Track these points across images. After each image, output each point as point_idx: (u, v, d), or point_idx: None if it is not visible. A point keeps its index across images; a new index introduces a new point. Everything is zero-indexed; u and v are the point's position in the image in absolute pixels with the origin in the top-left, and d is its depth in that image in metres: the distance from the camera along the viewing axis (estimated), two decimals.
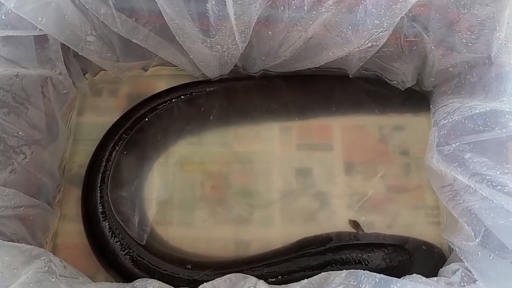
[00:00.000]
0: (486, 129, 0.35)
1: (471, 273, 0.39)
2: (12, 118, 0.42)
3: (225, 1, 0.38)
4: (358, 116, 0.62)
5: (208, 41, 0.45)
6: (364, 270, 0.49)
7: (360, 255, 0.51)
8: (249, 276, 0.43)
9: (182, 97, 0.61)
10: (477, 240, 0.38)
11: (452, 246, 0.44)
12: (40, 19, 0.39)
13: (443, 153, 0.40)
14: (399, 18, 0.39)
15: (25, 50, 0.42)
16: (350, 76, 0.60)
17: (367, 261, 0.51)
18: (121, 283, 0.46)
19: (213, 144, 0.61)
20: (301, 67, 0.55)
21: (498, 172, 0.35)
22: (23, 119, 0.44)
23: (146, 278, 0.45)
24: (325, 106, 0.63)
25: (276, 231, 0.56)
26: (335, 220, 0.57)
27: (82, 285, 0.40)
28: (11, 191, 0.41)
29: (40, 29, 0.40)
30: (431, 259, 0.53)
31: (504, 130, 0.34)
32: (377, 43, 0.44)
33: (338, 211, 0.57)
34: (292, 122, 0.62)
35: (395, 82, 0.59)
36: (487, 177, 0.35)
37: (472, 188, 0.39)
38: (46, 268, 0.38)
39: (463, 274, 0.39)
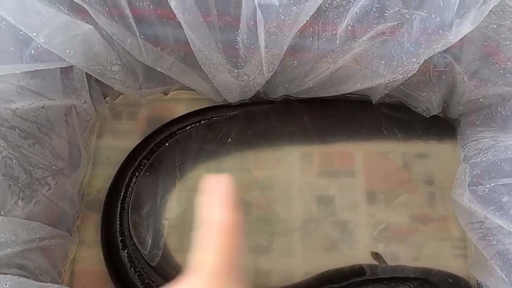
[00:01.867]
0: None
1: None
2: (37, 149, 0.42)
3: (257, 34, 0.37)
4: (380, 143, 0.61)
5: (236, 71, 0.45)
6: None
7: None
8: None
9: (203, 121, 0.60)
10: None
11: (482, 285, 0.42)
12: (68, 51, 0.38)
13: (477, 194, 0.39)
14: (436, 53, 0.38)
15: (52, 82, 0.41)
16: (373, 102, 0.59)
17: None
18: None
19: (232, 169, 0.60)
20: (325, 95, 0.54)
21: None
22: (47, 149, 0.43)
23: None
24: (346, 131, 0.62)
25: (297, 261, 0.55)
26: (357, 250, 0.55)
27: None
28: (36, 224, 0.40)
29: (67, 61, 0.40)
30: None
31: None
32: (408, 75, 0.43)
33: (360, 240, 0.56)
34: (312, 148, 0.61)
35: (419, 109, 0.58)
36: None
37: (506, 230, 0.37)
38: None
39: None
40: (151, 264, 0.52)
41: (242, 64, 0.43)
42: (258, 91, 0.60)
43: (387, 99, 0.59)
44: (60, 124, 0.45)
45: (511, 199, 0.36)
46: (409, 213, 0.57)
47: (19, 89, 0.38)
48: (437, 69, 0.44)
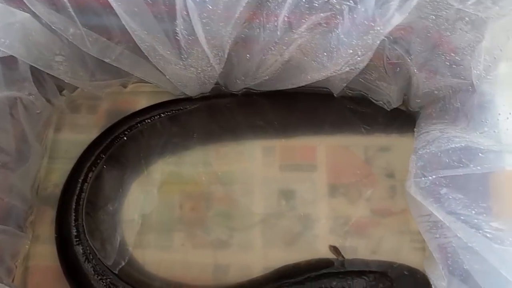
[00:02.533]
0: (461, 165, 0.33)
1: None
2: None
3: (191, 24, 0.36)
4: (343, 136, 0.60)
5: (181, 63, 0.44)
6: None
7: (340, 284, 0.49)
8: None
9: (163, 115, 0.59)
10: (452, 278, 0.36)
11: (431, 282, 0.42)
12: (3, 40, 0.37)
13: (419, 186, 0.39)
14: (374, 47, 0.37)
15: None
16: (335, 95, 0.58)
17: None
18: None
19: (194, 164, 0.59)
20: (282, 87, 0.54)
21: (473, 212, 0.33)
22: None
23: None
24: (309, 125, 0.61)
25: (256, 256, 0.55)
26: (317, 244, 0.55)
27: None
28: None
29: (3, 51, 0.38)
30: (414, 285, 0.51)
31: (478, 168, 0.32)
32: (356, 67, 0.42)
33: (321, 235, 0.56)
34: (275, 142, 0.60)
35: (380, 102, 0.57)
36: (462, 217, 0.33)
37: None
38: None
39: None
40: (106, 260, 0.51)
41: (185, 55, 0.42)
42: (218, 84, 0.59)
43: (349, 92, 0.59)
44: (3, 117, 0.44)
45: (449, 191, 0.35)
46: (370, 206, 0.57)
47: None
48: (390, 61, 0.44)
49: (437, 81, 0.42)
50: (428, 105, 0.51)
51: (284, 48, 0.41)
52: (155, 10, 0.37)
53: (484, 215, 0.32)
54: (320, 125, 0.61)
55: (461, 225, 0.33)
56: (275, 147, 0.60)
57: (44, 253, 0.54)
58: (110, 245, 0.54)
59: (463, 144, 0.34)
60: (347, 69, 0.41)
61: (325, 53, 0.40)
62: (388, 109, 0.57)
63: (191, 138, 0.60)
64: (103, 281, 0.50)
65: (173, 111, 0.59)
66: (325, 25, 0.37)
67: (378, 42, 0.36)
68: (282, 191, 0.58)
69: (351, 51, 0.37)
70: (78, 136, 0.60)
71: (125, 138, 0.57)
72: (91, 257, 0.51)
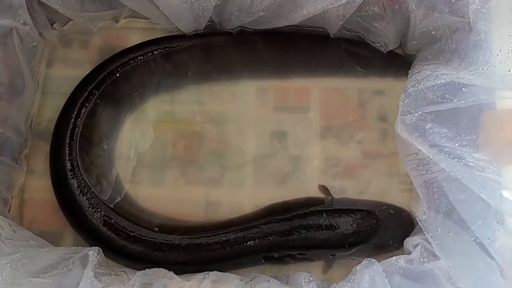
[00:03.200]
0: (445, 100, 0.33)
1: (432, 248, 0.38)
2: None
3: None
4: (337, 79, 0.60)
5: None
6: (331, 235, 0.50)
7: (327, 221, 0.51)
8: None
9: (156, 52, 0.58)
10: (437, 214, 0.37)
11: (416, 218, 0.44)
12: None
13: (405, 122, 0.39)
14: None
15: None
16: (332, 36, 0.57)
17: (334, 226, 0.51)
18: (70, 248, 0.45)
19: (187, 102, 0.59)
20: (278, 25, 0.52)
21: (457, 144, 0.33)
22: None
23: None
24: (304, 66, 0.60)
25: (247, 194, 0.56)
26: (307, 184, 0.56)
27: (30, 248, 0.39)
28: None
29: None
30: (400, 224, 0.53)
31: (462, 102, 0.32)
32: (356, 2, 0.41)
33: (311, 175, 0.56)
34: (269, 82, 0.60)
35: (377, 44, 0.56)
36: (445, 149, 0.34)
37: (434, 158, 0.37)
38: None
39: (422, 249, 0.39)
40: (101, 195, 0.52)
41: None
42: (213, 21, 0.57)
43: (346, 33, 0.57)
44: None
45: (433, 126, 0.36)
46: (361, 149, 0.57)
47: None
48: None
49: (435, 19, 0.41)
50: (425, 47, 0.50)
51: None
52: None
53: (467, 147, 0.33)
54: (315, 66, 0.60)
55: (444, 156, 0.34)
56: (269, 88, 0.60)
57: (39, 186, 0.55)
58: (105, 180, 0.55)
59: (447, 80, 0.33)
60: (344, 0, 0.40)
61: None
62: (385, 51, 0.57)
63: (185, 77, 0.60)
64: (98, 213, 0.51)
65: (167, 48, 0.58)
66: None
67: None
68: (274, 132, 0.58)
69: None
70: (70, 71, 0.60)
71: (117, 74, 0.57)
72: (85, 190, 0.52)
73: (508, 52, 0.31)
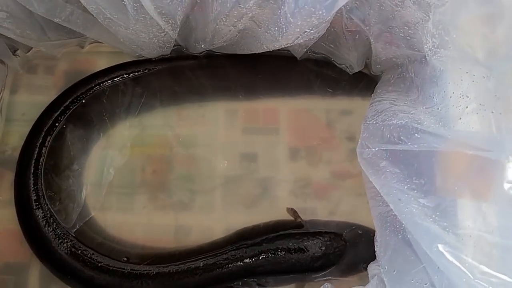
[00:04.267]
0: (400, 142, 0.34)
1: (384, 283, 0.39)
2: None
3: None
4: (305, 99, 0.60)
5: (131, 28, 0.42)
6: (300, 258, 0.50)
7: (296, 244, 0.51)
8: None
9: (123, 77, 0.58)
10: (386, 250, 0.37)
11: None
12: None
13: (363, 156, 0.39)
14: (323, 24, 0.37)
15: None
16: (298, 59, 0.58)
17: (303, 249, 0.51)
18: None
19: (155, 126, 0.59)
20: (241, 52, 0.53)
21: (406, 187, 0.34)
22: None
23: None
24: (272, 87, 0.61)
25: (217, 218, 0.56)
26: (277, 206, 0.56)
27: None
28: None
29: None
30: (368, 245, 0.53)
31: (415, 146, 0.32)
32: (312, 38, 0.41)
33: (281, 197, 0.57)
34: (238, 104, 0.60)
35: (343, 65, 0.57)
36: (394, 190, 0.34)
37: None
38: None
39: (378, 281, 0.39)
40: (67, 223, 0.52)
41: (133, 21, 0.40)
42: (180, 46, 0.57)
43: (312, 55, 0.58)
44: None
45: (388, 164, 0.36)
46: (330, 169, 0.58)
47: None
48: (349, 29, 0.43)
49: (393, 51, 0.42)
50: (388, 70, 0.51)
51: (235, 20, 0.40)
52: None
53: (415, 191, 0.33)
54: (283, 87, 0.61)
55: (392, 198, 0.34)
56: (238, 110, 0.60)
57: (3, 216, 0.54)
58: (71, 208, 0.54)
59: (403, 122, 0.34)
60: (301, 41, 0.41)
61: (276, 28, 0.39)
62: (350, 73, 0.57)
63: (154, 100, 0.59)
64: (64, 244, 0.50)
65: (134, 73, 0.58)
66: (272, 1, 0.35)
67: (325, 22, 0.36)
68: (244, 154, 0.58)
69: (298, 29, 0.37)
70: (35, 97, 0.59)
71: (83, 100, 0.56)
72: (51, 221, 0.51)
73: (460, 97, 0.32)
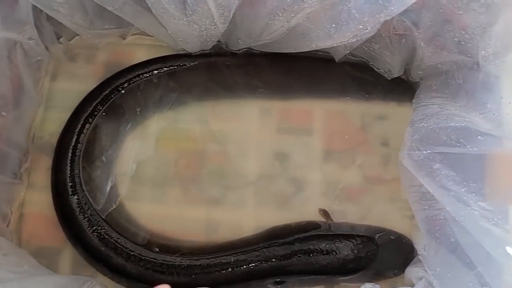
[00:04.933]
0: (458, 144, 0.34)
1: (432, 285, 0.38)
2: None
3: None
4: (341, 102, 0.60)
5: (185, 19, 0.42)
6: (331, 260, 0.50)
7: (328, 245, 0.51)
8: None
9: (161, 70, 0.59)
10: (437, 252, 0.37)
11: (416, 250, 0.44)
12: None
13: (413, 158, 0.39)
14: (376, 26, 0.37)
15: None
16: (336, 61, 0.58)
17: (335, 251, 0.51)
18: (64, 277, 0.45)
19: (190, 120, 0.59)
20: (284, 51, 0.53)
21: (463, 190, 0.34)
22: None
23: None
24: (307, 88, 0.61)
25: (248, 215, 0.56)
26: (308, 207, 0.56)
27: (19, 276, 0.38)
28: None
29: None
30: (400, 250, 0.53)
31: (475, 149, 0.32)
32: (363, 38, 0.41)
33: (312, 198, 0.56)
34: (273, 103, 0.60)
35: (382, 70, 0.57)
36: (451, 193, 0.34)
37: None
38: None
39: (426, 284, 0.39)
40: (102, 212, 0.52)
41: (190, 12, 0.41)
42: (220, 42, 0.58)
43: (351, 58, 0.58)
44: (1, 60, 0.42)
45: (441, 167, 0.36)
46: (363, 173, 0.57)
47: None
48: (397, 32, 0.43)
49: (443, 56, 0.42)
50: (430, 77, 0.51)
51: (292, 15, 0.40)
52: None
53: (474, 194, 0.33)
54: (318, 89, 0.61)
55: (449, 200, 0.34)
56: (273, 108, 0.60)
57: (39, 201, 0.55)
58: (104, 196, 0.54)
59: (462, 124, 0.34)
60: (354, 40, 0.41)
61: (333, 25, 0.39)
62: (389, 78, 0.57)
63: (188, 94, 0.60)
64: (98, 231, 0.51)
65: (173, 67, 0.59)
66: None
67: (388, 19, 0.36)
68: (276, 153, 0.58)
69: (361, 26, 0.37)
70: (74, 85, 0.60)
71: (123, 91, 0.57)
72: (86, 207, 0.52)
73: None
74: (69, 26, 0.48)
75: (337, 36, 0.41)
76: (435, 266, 0.38)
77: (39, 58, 0.50)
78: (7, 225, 0.51)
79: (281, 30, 0.45)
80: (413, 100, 0.49)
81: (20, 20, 0.45)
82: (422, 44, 0.43)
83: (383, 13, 0.34)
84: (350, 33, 0.39)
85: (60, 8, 0.44)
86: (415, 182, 0.42)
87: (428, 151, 0.36)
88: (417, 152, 0.38)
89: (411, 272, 0.44)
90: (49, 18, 0.50)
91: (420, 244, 0.42)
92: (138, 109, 0.59)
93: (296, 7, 0.39)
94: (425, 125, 0.39)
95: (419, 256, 0.43)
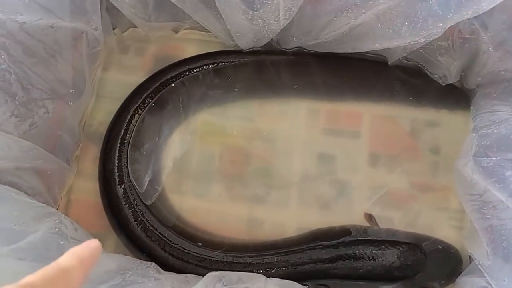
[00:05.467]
0: None
1: None
2: (39, 69, 0.40)
3: None
4: (390, 106, 0.59)
5: (250, 13, 0.42)
6: (376, 267, 0.49)
7: (373, 251, 0.50)
8: (259, 275, 0.42)
9: (211, 65, 0.59)
10: (504, 263, 0.35)
11: (474, 260, 0.42)
12: None
13: (481, 164, 0.38)
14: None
15: None
16: (389, 63, 0.57)
17: (381, 258, 0.50)
18: (131, 258, 0.45)
19: (236, 117, 0.59)
20: (342, 51, 0.52)
21: None
22: (51, 72, 0.42)
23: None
24: (357, 91, 0.60)
25: (291, 214, 0.55)
26: (352, 210, 0.55)
27: None
28: (29, 144, 0.40)
29: None
30: (447, 261, 0.52)
31: None
32: (430, 39, 0.40)
33: (356, 202, 0.56)
34: (320, 104, 0.59)
35: (436, 75, 0.55)
36: None
37: (504, 204, 0.36)
38: (56, 230, 0.37)
39: None
40: (146, 202, 0.52)
41: (258, 6, 0.41)
42: (271, 40, 0.57)
43: (404, 62, 0.57)
44: (67, 48, 0.43)
45: None
46: (410, 180, 0.56)
47: (27, 0, 0.36)
48: (462, 35, 0.42)
49: (510, 63, 0.40)
50: (488, 84, 0.49)
51: (363, 12, 0.39)
52: None
53: None
54: (367, 92, 0.60)
55: None
56: (320, 109, 0.59)
57: (85, 188, 0.56)
58: (150, 188, 0.55)
59: None
60: (423, 40, 0.39)
61: (406, 23, 0.38)
62: (443, 84, 0.56)
63: (236, 91, 0.60)
64: (143, 222, 0.51)
65: (223, 63, 0.59)
66: None
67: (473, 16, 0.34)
68: (322, 155, 0.58)
69: (440, 24, 0.35)
70: (124, 77, 0.60)
71: (173, 84, 0.57)
72: (132, 198, 0.52)
73: None
74: (130, 17, 0.48)
75: (408, 35, 0.40)
76: (503, 276, 0.36)
77: (98, 48, 0.51)
78: (57, 209, 0.51)
79: (344, 28, 0.44)
80: (471, 107, 0.48)
81: (88, 10, 0.46)
82: (489, 48, 0.41)
83: (472, 9, 0.33)
84: (425, 31, 0.38)
85: None
86: (476, 190, 0.40)
87: (499, 158, 0.35)
88: (485, 158, 0.36)
89: (468, 282, 0.43)
90: (108, 8, 0.51)
91: (480, 254, 0.41)
92: (183, 103, 0.59)
93: (370, 2, 0.38)
94: (495, 131, 0.37)
95: (480, 266, 0.41)
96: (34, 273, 0.21)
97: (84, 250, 0.24)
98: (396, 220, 0.54)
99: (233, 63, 0.59)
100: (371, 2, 0.38)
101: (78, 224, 0.43)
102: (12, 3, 0.36)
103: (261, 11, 0.42)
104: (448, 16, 0.35)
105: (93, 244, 0.24)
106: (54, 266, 0.23)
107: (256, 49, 0.59)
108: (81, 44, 0.46)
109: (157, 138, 0.57)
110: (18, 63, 0.38)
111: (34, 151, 0.40)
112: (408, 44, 0.42)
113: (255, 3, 0.41)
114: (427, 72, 0.56)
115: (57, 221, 0.39)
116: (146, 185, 0.54)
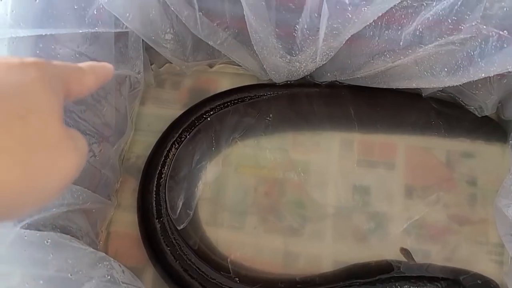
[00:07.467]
0: None
1: None
2: (87, 115, 0.42)
3: (318, 26, 0.35)
4: (424, 137, 0.59)
5: (288, 58, 0.43)
6: None
7: None
8: None
9: (246, 99, 0.60)
10: None
11: None
12: (127, 15, 0.38)
13: None
14: None
15: (109, 49, 0.41)
16: (423, 96, 0.57)
17: None
18: None
19: (270, 149, 0.60)
20: (375, 86, 0.52)
21: None
22: (98, 117, 0.44)
23: None
24: (390, 122, 0.60)
25: (326, 248, 0.55)
26: (387, 244, 0.55)
27: None
28: (79, 188, 0.41)
29: (126, 26, 0.39)
30: None
31: None
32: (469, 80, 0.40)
33: (392, 234, 0.55)
34: (354, 135, 0.60)
35: (472, 107, 0.55)
36: None
37: None
38: (109, 277, 0.38)
39: None
40: (178, 227, 0.53)
41: (297, 52, 0.42)
42: None
43: (438, 94, 0.57)
44: (112, 93, 0.45)
45: None
46: (447, 212, 0.56)
47: (77, 55, 0.38)
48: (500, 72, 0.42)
49: None
50: None
51: (401, 58, 0.40)
52: (280, 6, 0.37)
53: None
54: (402, 123, 0.60)
55: None
56: (354, 141, 0.59)
57: (124, 220, 0.57)
58: (186, 220, 0.55)
59: None
60: (465, 81, 0.40)
61: (445, 69, 0.38)
62: (479, 115, 0.55)
63: (269, 123, 0.60)
64: (180, 257, 0.52)
65: (257, 96, 0.60)
66: (458, 45, 0.35)
67: None
68: (357, 186, 0.58)
69: (483, 74, 0.36)
70: (160, 110, 0.62)
71: (209, 118, 0.58)
72: (170, 232, 0.53)
73: None
74: (170, 59, 0.50)
75: (448, 80, 0.40)
76: None
77: (140, 88, 0.53)
78: (99, 242, 0.53)
79: (380, 68, 0.44)
80: (510, 142, 0.47)
81: (132, 56, 0.47)
82: None
83: None
84: (465, 78, 0.38)
85: (168, 44, 0.46)
86: None
87: None
88: None
89: None
90: (147, 48, 0.53)
91: None
92: (218, 136, 0.60)
93: (410, 50, 0.38)
94: None
95: None
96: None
97: (100, 64, 0.29)
98: (433, 254, 0.54)
99: (267, 96, 0.60)
100: (410, 51, 0.38)
101: (122, 263, 0.44)
102: (64, 58, 0.38)
103: (300, 56, 0.43)
104: (492, 69, 0.35)
105: (108, 65, 0.30)
106: (71, 64, 0.27)
107: (289, 82, 0.60)
108: (125, 88, 0.48)
109: (192, 169, 0.58)
110: (68, 112, 0.40)
111: (84, 195, 0.42)
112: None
113: (293, 49, 0.42)
114: (462, 103, 0.56)
115: (108, 266, 0.40)
116: (182, 218, 0.55)
